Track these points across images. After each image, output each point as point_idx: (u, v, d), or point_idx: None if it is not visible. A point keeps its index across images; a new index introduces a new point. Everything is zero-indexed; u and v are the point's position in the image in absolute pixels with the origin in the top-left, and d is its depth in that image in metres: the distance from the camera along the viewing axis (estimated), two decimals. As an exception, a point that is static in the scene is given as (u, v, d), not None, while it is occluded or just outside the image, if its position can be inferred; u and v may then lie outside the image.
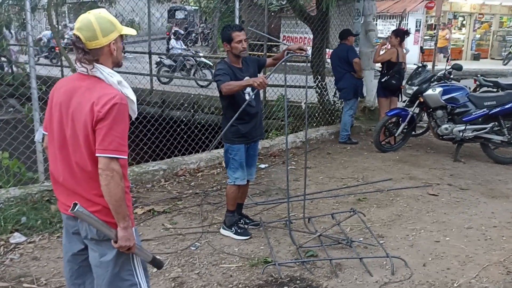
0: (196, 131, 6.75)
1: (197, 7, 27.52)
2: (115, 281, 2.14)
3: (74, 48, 2.05)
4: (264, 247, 3.78)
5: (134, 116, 2.19)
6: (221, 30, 3.78)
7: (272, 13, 21.12)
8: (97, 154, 1.99)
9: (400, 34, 7.03)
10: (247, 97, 3.75)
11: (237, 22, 6.17)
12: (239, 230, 3.97)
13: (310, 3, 10.62)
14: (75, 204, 2.01)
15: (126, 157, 2.04)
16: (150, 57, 10.38)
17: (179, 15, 26.59)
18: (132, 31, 2.22)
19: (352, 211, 4.13)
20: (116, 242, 2.07)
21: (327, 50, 8.62)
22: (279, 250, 3.74)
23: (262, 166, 6.02)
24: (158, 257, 2.43)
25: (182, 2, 26.59)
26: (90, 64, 2.04)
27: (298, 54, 3.72)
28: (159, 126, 6.53)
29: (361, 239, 3.91)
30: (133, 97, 2.12)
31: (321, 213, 4.43)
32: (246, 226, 4.08)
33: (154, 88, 10.26)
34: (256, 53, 10.50)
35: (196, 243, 3.84)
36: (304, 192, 4.20)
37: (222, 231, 4.03)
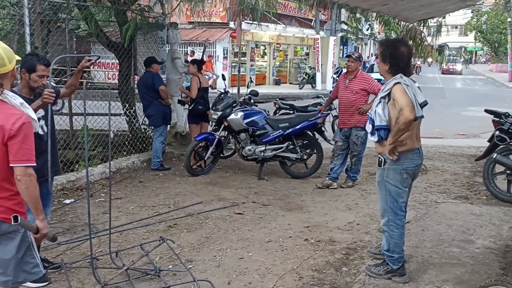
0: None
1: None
2: (21, 265, 2.57)
3: None
4: (65, 291, 3.50)
5: (33, 131, 2.55)
6: (24, 56, 3.46)
7: (75, 39, 20.06)
8: (13, 165, 2.41)
9: (196, 62, 7.43)
10: (40, 131, 3.46)
11: (28, 48, 5.67)
12: None
13: (115, 30, 10.44)
14: (16, 217, 2.35)
15: (35, 164, 2.48)
16: None
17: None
18: (19, 58, 2.63)
19: (161, 239, 4.13)
20: (36, 233, 2.53)
21: (136, 77, 8.56)
22: (83, 291, 3.51)
23: (67, 201, 5.62)
24: None
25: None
26: (1, 88, 2.42)
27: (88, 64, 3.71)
28: None
29: (170, 266, 3.93)
30: (34, 116, 2.57)
31: (130, 245, 4.32)
32: (44, 270, 3.71)
33: None
34: (59, 78, 9.83)
35: (-19, 300, 3.35)
36: (109, 225, 4.04)
37: None
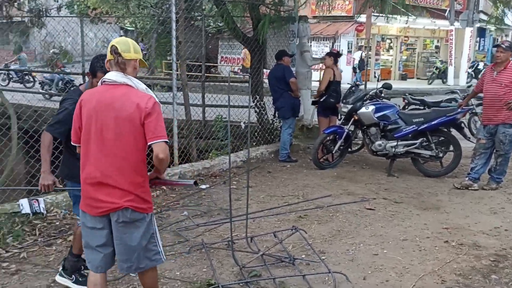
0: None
1: (133, 28, 27.13)
2: (143, 252, 2.65)
3: (111, 54, 2.60)
4: (206, 269, 3.70)
5: None
6: (93, 59, 3.22)
7: (210, 34, 21.24)
8: (154, 141, 2.52)
9: (333, 54, 7.34)
10: None
11: (174, 43, 6.12)
12: (80, 279, 3.40)
13: (246, 25, 10.80)
14: (196, 182, 2.80)
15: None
16: (84, 78, 10.05)
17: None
18: (146, 64, 2.82)
19: (294, 228, 4.16)
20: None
21: (265, 70, 8.77)
22: (222, 271, 3.68)
23: (203, 186, 5.95)
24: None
25: (117, 23, 26.12)
26: (121, 68, 2.60)
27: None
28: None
29: (303, 256, 3.94)
30: (156, 99, 2.66)
31: (263, 232, 4.42)
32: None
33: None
34: (194, 73, 10.49)
35: (135, 270, 3.68)
36: (246, 212, 4.18)
37: (58, 277, 3.45)
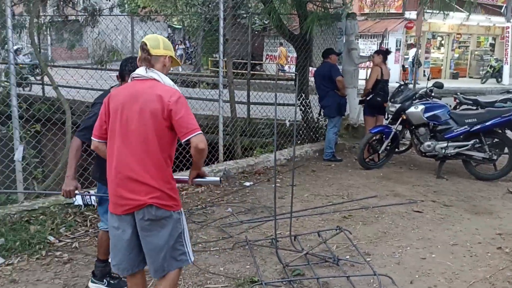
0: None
1: (180, 26, 27.69)
2: (170, 252, 2.54)
3: (140, 50, 2.59)
4: (250, 266, 3.72)
5: None
6: (122, 61, 3.22)
7: (256, 32, 21.33)
8: (190, 136, 2.44)
9: (382, 52, 7.18)
10: None
11: (221, 40, 6.18)
12: (112, 281, 3.40)
13: (293, 23, 10.76)
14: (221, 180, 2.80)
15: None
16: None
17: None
18: (178, 62, 2.80)
19: (338, 228, 4.11)
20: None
21: (311, 68, 8.70)
22: (265, 269, 3.68)
23: (247, 184, 5.98)
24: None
25: (166, 21, 26.71)
26: (149, 64, 2.56)
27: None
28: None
29: (348, 257, 3.88)
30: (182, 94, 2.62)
31: (307, 231, 4.40)
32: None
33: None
34: (240, 71, 10.57)
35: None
36: (291, 210, 4.17)
37: (91, 284, 3.42)
